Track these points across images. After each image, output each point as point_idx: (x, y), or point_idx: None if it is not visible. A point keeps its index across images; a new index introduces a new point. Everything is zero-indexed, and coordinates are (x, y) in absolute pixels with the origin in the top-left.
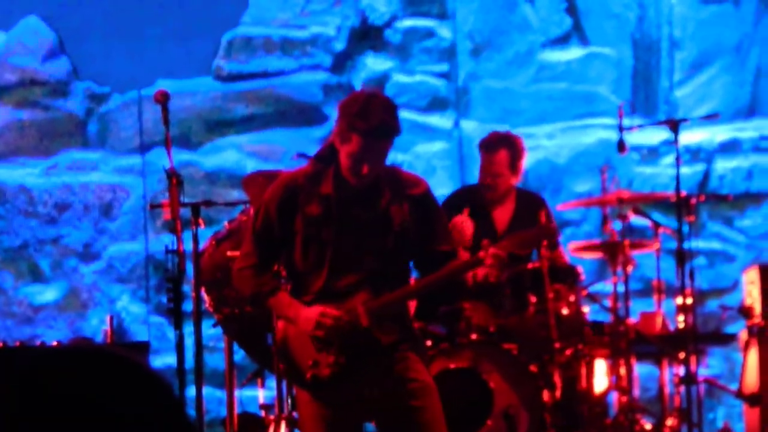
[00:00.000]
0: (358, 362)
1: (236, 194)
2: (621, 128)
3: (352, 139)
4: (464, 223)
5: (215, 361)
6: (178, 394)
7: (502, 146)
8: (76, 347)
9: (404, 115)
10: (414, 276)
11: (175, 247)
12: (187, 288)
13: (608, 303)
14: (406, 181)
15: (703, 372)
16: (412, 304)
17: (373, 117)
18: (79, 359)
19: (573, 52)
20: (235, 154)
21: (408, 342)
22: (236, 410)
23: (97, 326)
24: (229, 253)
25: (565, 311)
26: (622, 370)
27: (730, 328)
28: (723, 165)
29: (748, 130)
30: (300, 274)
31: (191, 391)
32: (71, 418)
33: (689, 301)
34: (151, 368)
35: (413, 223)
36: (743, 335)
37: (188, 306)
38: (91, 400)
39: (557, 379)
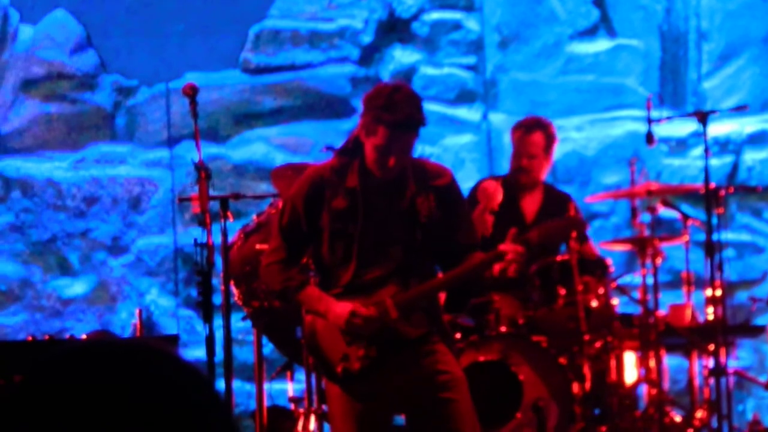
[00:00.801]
0: (388, 355)
1: (265, 187)
2: (649, 120)
3: (378, 131)
4: (496, 188)
5: (244, 354)
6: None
7: (537, 128)
8: (113, 341)
9: (432, 107)
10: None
11: (204, 241)
12: (216, 281)
13: (637, 295)
14: (431, 171)
15: (732, 364)
16: (441, 297)
17: (399, 109)
18: (118, 352)
19: (600, 44)
20: (263, 146)
21: (437, 334)
22: (265, 403)
23: (126, 319)
24: (257, 246)
25: (594, 303)
26: (652, 363)
27: (759, 320)
28: (752, 156)
29: None
30: (328, 268)
31: (220, 385)
32: (109, 411)
33: (718, 292)
34: (190, 362)
35: (439, 215)
36: None
37: (217, 299)
38: (130, 394)
39: (587, 371)
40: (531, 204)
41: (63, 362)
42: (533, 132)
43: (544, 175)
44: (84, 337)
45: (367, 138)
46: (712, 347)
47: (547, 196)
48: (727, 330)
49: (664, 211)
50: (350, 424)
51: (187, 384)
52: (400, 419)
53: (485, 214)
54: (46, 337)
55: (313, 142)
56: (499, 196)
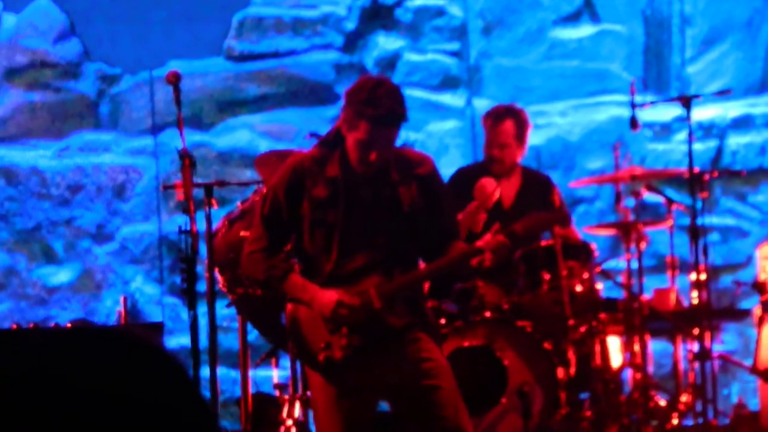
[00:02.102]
0: (370, 345)
1: (249, 174)
2: (633, 105)
3: (360, 126)
4: (494, 188)
5: (229, 341)
6: (192, 374)
7: (507, 116)
8: (88, 328)
9: (416, 93)
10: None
11: (188, 228)
12: (201, 268)
13: (622, 280)
14: (413, 160)
15: (717, 348)
16: (425, 286)
17: (381, 105)
18: (91, 340)
19: (584, 30)
20: (247, 134)
21: (420, 324)
22: (250, 390)
23: (111, 307)
24: (242, 233)
25: (578, 288)
26: (636, 347)
27: (744, 304)
28: (736, 141)
29: (760, 106)
30: (310, 257)
31: (205, 372)
32: (82, 400)
33: (703, 277)
34: (165, 349)
35: (421, 204)
36: (757, 311)
37: (202, 286)
38: (103, 382)
39: (571, 356)
40: (509, 189)
41: (35, 352)
42: (503, 120)
43: (519, 159)
44: (68, 325)
45: (349, 132)
46: (696, 331)
47: (526, 180)
48: (712, 314)
49: (648, 196)
50: (333, 413)
51: (162, 374)
52: (386, 406)
53: (480, 211)
54: (31, 325)
55: (297, 129)
56: (497, 195)
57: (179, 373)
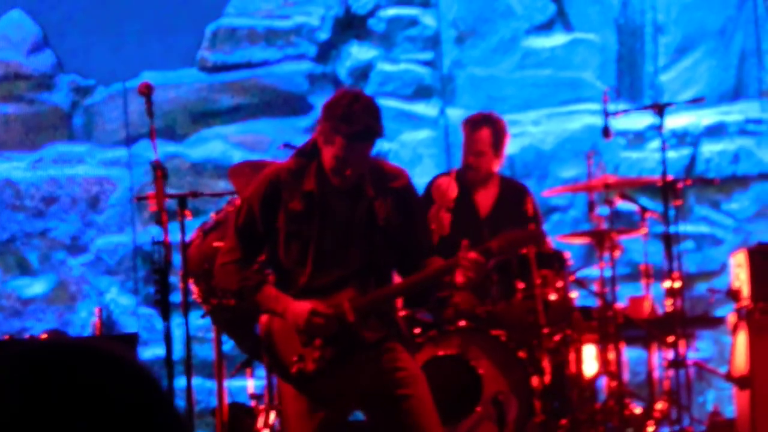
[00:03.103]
0: (343, 358)
1: (223, 185)
2: (606, 114)
3: (336, 141)
4: (449, 185)
5: (204, 351)
6: (166, 385)
7: (485, 124)
8: (59, 341)
9: (389, 103)
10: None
11: (162, 239)
12: (175, 279)
13: (596, 288)
14: (389, 174)
15: (692, 355)
16: (398, 301)
17: (357, 121)
18: (62, 353)
19: (557, 39)
20: (221, 144)
21: (394, 337)
22: (226, 400)
23: (86, 318)
24: (216, 244)
25: (552, 297)
26: (611, 355)
27: (718, 312)
28: (709, 148)
29: (733, 114)
30: (284, 270)
31: (181, 382)
32: (53, 413)
33: (677, 284)
34: (137, 361)
35: (397, 218)
36: (732, 318)
37: (177, 297)
38: (74, 395)
39: (546, 364)
40: (485, 198)
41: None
42: (480, 128)
43: (497, 169)
44: (43, 336)
45: (325, 146)
46: (671, 339)
47: (503, 190)
48: (687, 322)
49: (622, 204)
50: (305, 424)
51: (134, 386)
52: (360, 415)
53: (441, 211)
54: (6, 336)
55: (271, 140)
56: (453, 192)
57: (152, 385)
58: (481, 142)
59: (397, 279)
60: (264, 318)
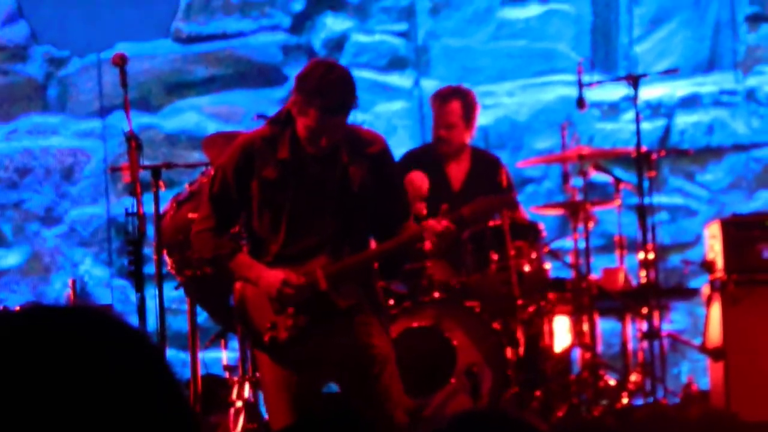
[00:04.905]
0: (316, 325)
1: (197, 156)
2: (581, 85)
3: (309, 113)
4: (422, 178)
5: (178, 323)
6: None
7: (454, 97)
8: (44, 306)
9: (364, 74)
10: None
11: (135, 210)
12: (149, 251)
13: (570, 259)
14: (364, 139)
15: (666, 327)
16: (376, 267)
17: (331, 94)
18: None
19: (532, 9)
20: (195, 116)
21: (368, 306)
22: (200, 372)
23: (60, 290)
24: (190, 215)
25: (527, 268)
26: (585, 327)
27: (692, 283)
28: (683, 120)
29: (707, 85)
30: (258, 238)
31: None
32: (52, 379)
33: (651, 256)
34: (136, 327)
35: (372, 184)
36: (706, 290)
37: (150, 269)
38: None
39: (520, 336)
40: (458, 171)
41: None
42: (450, 101)
43: (468, 141)
44: (17, 309)
45: (299, 116)
46: (645, 310)
47: (475, 162)
48: (661, 293)
49: (596, 176)
50: (281, 392)
51: (133, 350)
52: (335, 387)
53: (416, 202)
54: None
55: (245, 111)
56: (425, 185)
57: (144, 344)
58: (452, 114)
59: (373, 245)
60: (237, 285)
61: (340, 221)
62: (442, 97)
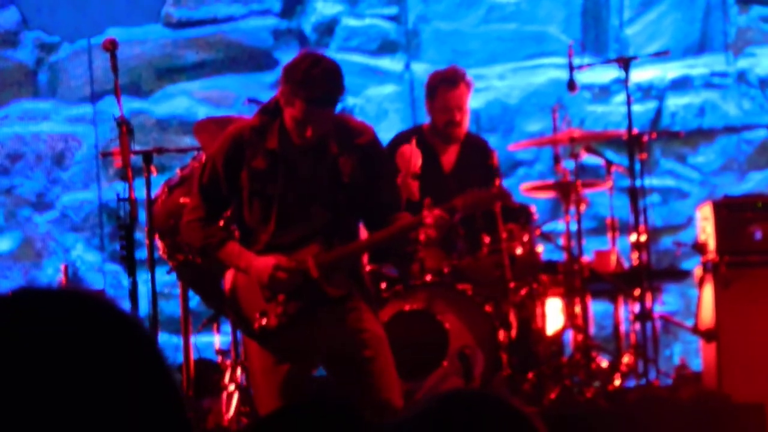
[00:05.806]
0: (307, 313)
1: (188, 141)
2: (571, 67)
3: (296, 104)
4: (412, 152)
5: (171, 307)
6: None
7: (460, 79)
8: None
9: (355, 58)
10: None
11: (127, 195)
12: (141, 235)
13: (562, 242)
14: (354, 130)
15: (658, 309)
16: (364, 257)
17: (317, 86)
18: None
19: None
20: (186, 100)
21: (358, 294)
22: (192, 356)
23: (52, 275)
24: (181, 200)
25: (518, 251)
26: (577, 309)
27: (684, 265)
28: (674, 102)
29: (698, 67)
30: (248, 228)
31: None
32: (43, 363)
33: (643, 238)
34: (128, 311)
35: (362, 174)
36: (698, 271)
37: (142, 253)
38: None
39: (512, 318)
40: (449, 154)
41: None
42: (458, 84)
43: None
44: (9, 295)
45: (286, 107)
46: (637, 292)
47: (465, 145)
48: (652, 275)
49: (587, 158)
50: (269, 379)
51: (125, 334)
52: (323, 371)
53: (408, 179)
54: None
55: (236, 95)
56: (418, 159)
57: (133, 326)
58: (461, 97)
59: (364, 235)
60: (229, 274)
61: (331, 212)
62: (449, 80)
